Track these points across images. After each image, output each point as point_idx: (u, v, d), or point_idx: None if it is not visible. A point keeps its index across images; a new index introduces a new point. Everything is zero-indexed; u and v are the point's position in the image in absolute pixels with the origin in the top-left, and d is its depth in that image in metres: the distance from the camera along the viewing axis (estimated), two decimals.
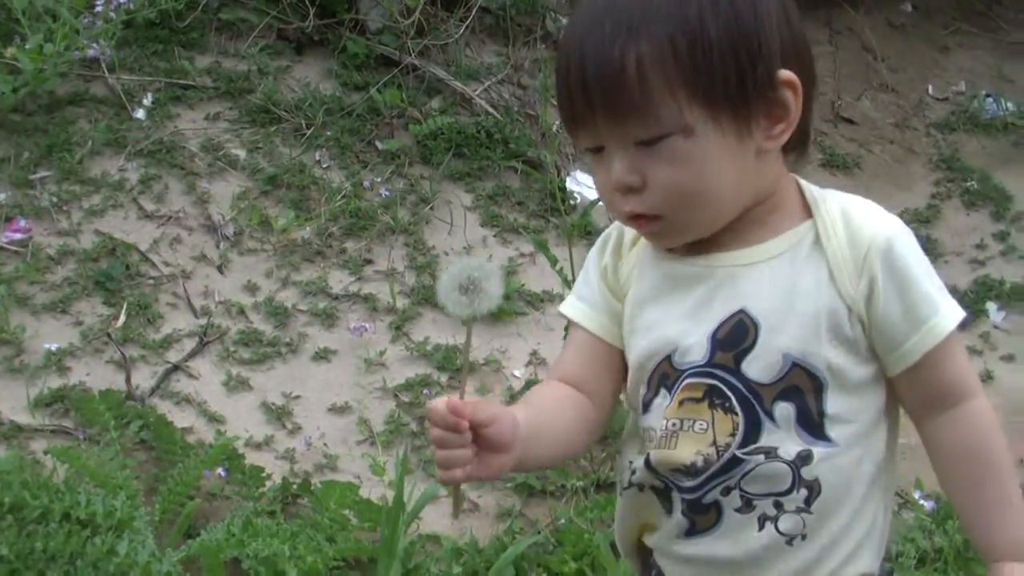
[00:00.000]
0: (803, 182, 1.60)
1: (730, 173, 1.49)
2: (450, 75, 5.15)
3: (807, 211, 1.56)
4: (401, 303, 4.24)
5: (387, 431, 3.74)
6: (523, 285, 4.38)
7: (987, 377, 4.33)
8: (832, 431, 1.51)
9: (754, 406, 1.51)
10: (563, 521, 3.34)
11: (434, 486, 3.34)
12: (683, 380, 1.55)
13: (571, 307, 1.69)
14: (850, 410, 1.52)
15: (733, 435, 1.52)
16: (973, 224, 5.30)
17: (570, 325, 1.70)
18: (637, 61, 1.42)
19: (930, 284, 1.51)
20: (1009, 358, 4.48)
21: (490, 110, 5.06)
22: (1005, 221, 5.28)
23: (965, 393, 1.54)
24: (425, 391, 3.86)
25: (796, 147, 1.58)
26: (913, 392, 1.55)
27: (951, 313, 1.51)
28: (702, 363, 1.54)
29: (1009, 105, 6.06)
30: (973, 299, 4.76)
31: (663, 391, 1.58)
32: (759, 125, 1.49)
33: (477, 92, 5.13)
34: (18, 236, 4.13)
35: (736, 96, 1.46)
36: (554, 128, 4.70)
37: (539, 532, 3.30)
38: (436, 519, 3.44)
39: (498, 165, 4.89)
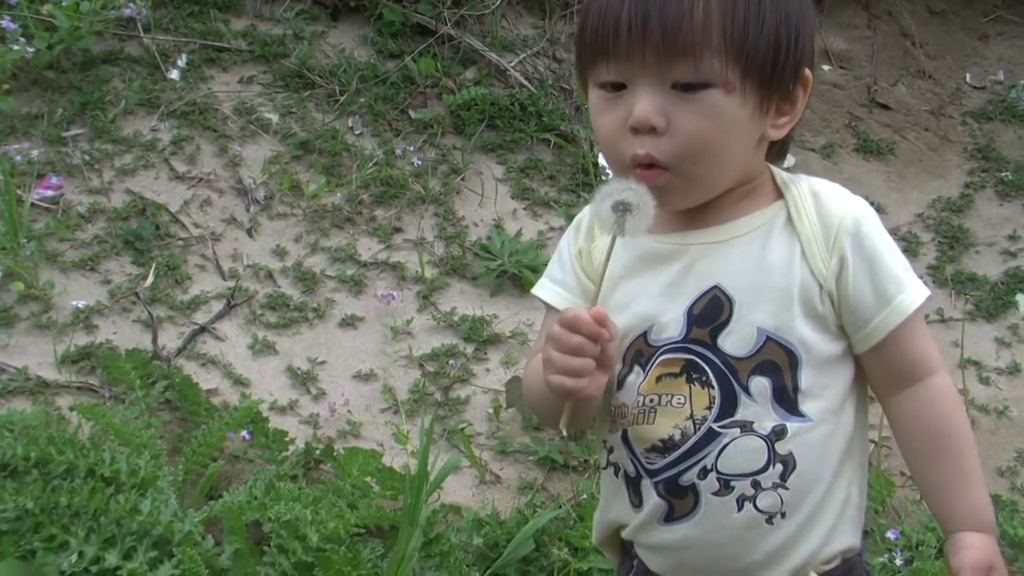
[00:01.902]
0: (774, 168, 1.64)
1: (741, 143, 1.54)
2: (485, 46, 5.13)
3: (778, 193, 1.61)
4: (429, 272, 4.24)
5: (411, 400, 3.74)
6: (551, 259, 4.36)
7: (1015, 370, 4.31)
8: (805, 406, 1.55)
9: (730, 380, 1.55)
10: (584, 496, 3.34)
11: (457, 456, 3.35)
12: (659, 356, 1.58)
13: (547, 291, 1.72)
14: (821, 385, 1.56)
15: (710, 408, 1.55)
16: (1006, 215, 5.25)
17: (547, 309, 1.72)
18: (704, 7, 1.46)
19: (896, 263, 1.57)
20: None
21: (524, 83, 5.04)
22: None
23: (929, 369, 1.59)
24: (451, 361, 3.86)
25: (777, 152, 1.65)
26: (880, 368, 1.60)
27: (916, 291, 1.57)
28: (679, 339, 1.57)
29: None
30: (1003, 290, 4.73)
31: (637, 368, 1.61)
32: (770, 111, 1.54)
33: (512, 64, 5.11)
34: (50, 193, 4.14)
35: (768, 75, 1.50)
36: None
37: (560, 506, 3.30)
38: (458, 489, 3.44)
39: (531, 138, 4.88)
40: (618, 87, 1.52)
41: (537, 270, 4.19)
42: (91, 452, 2.88)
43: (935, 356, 1.60)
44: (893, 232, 4.76)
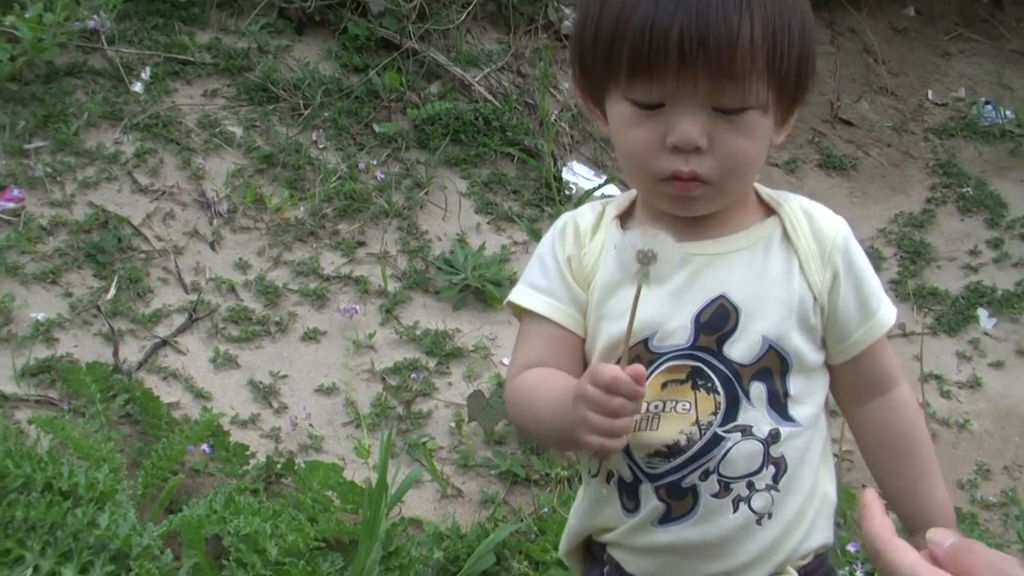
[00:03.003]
0: (755, 184, 1.68)
1: (765, 154, 1.59)
2: (450, 61, 5.14)
3: (766, 209, 1.66)
4: (392, 286, 4.23)
5: (373, 414, 3.73)
6: (515, 273, 4.37)
7: (975, 384, 4.35)
8: (793, 411, 1.60)
9: (734, 385, 1.58)
10: (546, 510, 3.34)
11: (418, 470, 3.34)
12: (663, 363, 1.59)
13: (533, 299, 1.68)
14: (808, 392, 1.62)
15: (715, 414, 1.57)
16: (967, 230, 5.30)
17: (528, 318, 1.69)
18: (752, 34, 1.47)
19: (875, 281, 1.66)
20: (998, 365, 4.49)
21: (489, 97, 5.05)
22: (999, 228, 5.29)
23: (895, 380, 1.69)
24: (413, 375, 3.86)
25: None
26: (852, 379, 1.67)
27: (891, 308, 1.66)
28: (686, 346, 1.59)
29: (1008, 113, 6.07)
30: (964, 305, 4.77)
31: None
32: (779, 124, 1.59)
33: (477, 79, 5.12)
34: (11, 205, 4.12)
35: (792, 95, 1.55)
36: (552, 118, 4.69)
37: (521, 520, 3.30)
38: (419, 503, 3.44)
39: (495, 152, 4.88)
40: (655, 105, 1.51)
41: (500, 284, 4.20)
42: (49, 465, 2.86)
43: (899, 368, 1.70)
44: None
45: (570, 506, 3.32)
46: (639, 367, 1.46)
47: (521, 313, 1.70)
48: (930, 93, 6.25)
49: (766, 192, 1.67)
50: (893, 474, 1.68)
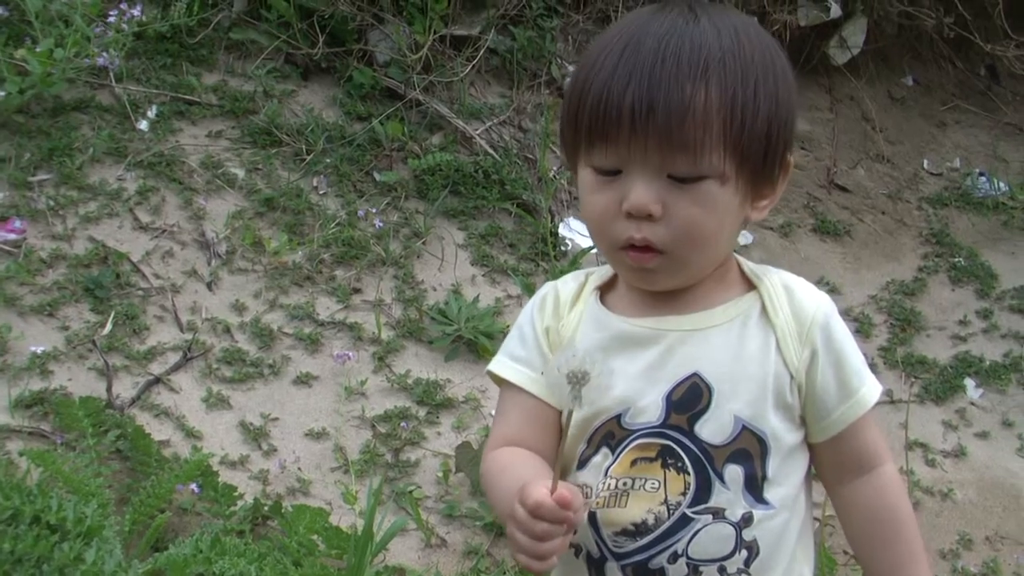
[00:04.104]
0: (738, 256, 1.67)
1: (730, 228, 1.57)
2: (453, 113, 5.20)
3: (747, 283, 1.64)
4: (386, 334, 4.26)
5: (362, 460, 3.75)
6: (508, 326, 4.40)
7: (960, 453, 4.37)
8: (768, 493, 1.58)
9: (706, 466, 1.56)
10: None
11: (403, 518, 3.36)
12: (633, 440, 1.58)
13: (509, 369, 1.68)
14: (784, 474, 1.59)
15: (684, 494, 1.56)
16: (958, 300, 5.34)
17: (506, 387, 1.69)
18: (705, 103, 1.47)
19: (858, 358, 1.62)
20: (983, 435, 4.52)
21: (489, 150, 5.10)
22: (989, 299, 5.33)
23: (880, 459, 1.64)
24: (403, 424, 3.89)
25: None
26: (834, 458, 1.64)
27: (875, 386, 1.63)
28: (656, 424, 1.58)
29: (1001, 185, 6.13)
30: (952, 374, 4.80)
31: (605, 449, 1.61)
32: (754, 196, 1.57)
33: (478, 131, 5.17)
34: (12, 236, 4.15)
35: (758, 164, 1.53)
36: (551, 174, 4.74)
37: (504, 572, 3.32)
38: (403, 551, 3.46)
39: (493, 206, 4.93)
40: (613, 172, 1.53)
41: (493, 336, 4.23)
42: (38, 498, 2.88)
43: (884, 446, 1.65)
44: (847, 313, 4.83)
45: None
46: (565, 493, 1.43)
47: (500, 382, 1.69)
48: (925, 162, 6.31)
49: (748, 266, 1.66)
50: (876, 557, 1.64)
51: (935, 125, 6.59)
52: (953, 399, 4.71)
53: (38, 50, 4.48)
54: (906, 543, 1.63)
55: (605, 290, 1.69)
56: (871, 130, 6.36)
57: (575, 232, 4.93)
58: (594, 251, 4.27)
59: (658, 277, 1.57)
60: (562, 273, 3.84)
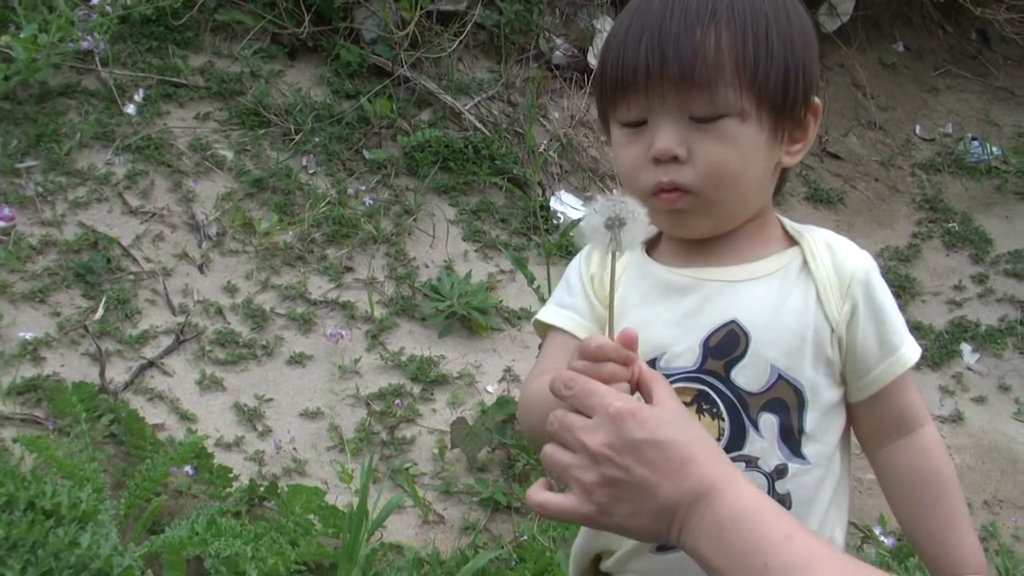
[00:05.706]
0: (781, 217, 1.68)
1: (760, 169, 1.57)
2: (441, 89, 5.18)
3: (789, 239, 1.64)
4: (379, 312, 4.26)
5: (357, 439, 3.75)
6: (501, 301, 4.40)
7: (958, 418, 4.37)
8: (806, 448, 1.57)
9: (740, 413, 1.56)
10: (526, 538, 3.35)
11: (400, 496, 3.36)
12: (670, 384, 1.55)
13: (556, 314, 1.70)
14: (823, 430, 1.58)
15: (719, 439, 1.56)
16: (952, 265, 5.34)
17: (551, 333, 1.71)
18: (716, 42, 1.50)
19: (898, 318, 1.60)
20: (980, 400, 4.52)
21: (479, 126, 5.08)
22: (984, 264, 5.33)
23: (920, 420, 1.62)
24: (397, 401, 3.88)
25: (778, 184, 1.67)
26: (874, 418, 1.62)
27: (914, 345, 1.60)
28: (693, 369, 1.58)
29: (994, 149, 6.12)
30: (948, 340, 4.80)
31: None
32: (784, 139, 1.58)
33: (467, 107, 5.15)
34: (1, 224, 4.13)
35: (780, 102, 1.55)
36: (540, 148, 4.72)
37: (502, 547, 3.31)
38: (401, 528, 3.45)
39: (483, 181, 4.91)
40: (639, 123, 1.56)
41: (486, 311, 4.22)
42: (32, 484, 2.87)
43: (923, 408, 1.64)
44: None
45: (549, 534, 3.35)
46: (630, 330, 1.45)
47: (545, 331, 1.72)
48: (918, 128, 6.30)
49: (791, 224, 1.66)
50: (919, 520, 1.63)
51: (927, 91, 6.57)
52: (950, 364, 4.71)
53: (22, 36, 4.46)
54: (948, 505, 1.62)
55: (651, 245, 1.70)
56: (862, 97, 6.35)
57: (566, 205, 4.92)
58: None
59: (690, 219, 1.58)
60: (553, 247, 3.85)
